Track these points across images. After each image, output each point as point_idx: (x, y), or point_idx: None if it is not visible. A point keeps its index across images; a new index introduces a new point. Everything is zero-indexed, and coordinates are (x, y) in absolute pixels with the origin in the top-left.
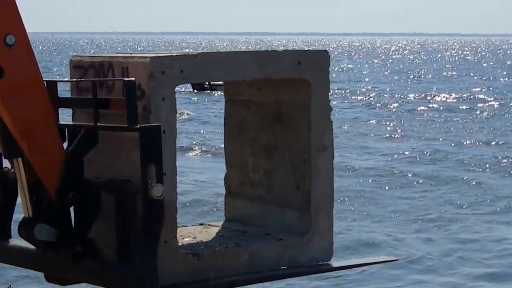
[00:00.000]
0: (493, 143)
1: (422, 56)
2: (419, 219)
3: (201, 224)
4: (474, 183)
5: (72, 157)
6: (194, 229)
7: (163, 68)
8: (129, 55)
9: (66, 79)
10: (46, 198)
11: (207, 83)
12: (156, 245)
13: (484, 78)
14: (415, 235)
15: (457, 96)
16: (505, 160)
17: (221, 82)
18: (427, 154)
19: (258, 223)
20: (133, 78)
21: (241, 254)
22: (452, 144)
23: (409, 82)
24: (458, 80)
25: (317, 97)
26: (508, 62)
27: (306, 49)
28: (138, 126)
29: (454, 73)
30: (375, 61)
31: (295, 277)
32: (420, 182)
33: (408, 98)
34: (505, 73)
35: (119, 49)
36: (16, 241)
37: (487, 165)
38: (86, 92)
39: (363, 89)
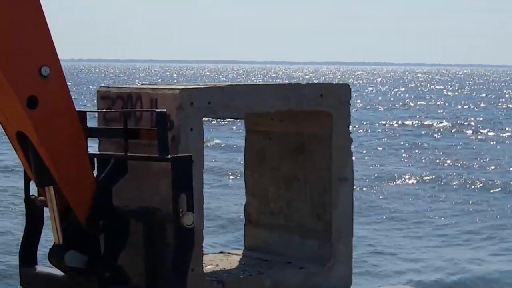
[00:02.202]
0: None
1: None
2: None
3: (221, 252)
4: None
5: (103, 186)
6: (215, 257)
7: (192, 99)
8: (157, 86)
9: (96, 110)
10: (75, 225)
11: None
12: (186, 273)
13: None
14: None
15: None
16: None
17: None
18: None
19: (278, 251)
20: (164, 110)
21: (264, 281)
22: None
23: None
24: None
25: (339, 129)
26: None
27: (328, 82)
28: (170, 156)
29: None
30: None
31: None
32: None
33: None
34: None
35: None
36: (43, 267)
37: None
38: (113, 122)
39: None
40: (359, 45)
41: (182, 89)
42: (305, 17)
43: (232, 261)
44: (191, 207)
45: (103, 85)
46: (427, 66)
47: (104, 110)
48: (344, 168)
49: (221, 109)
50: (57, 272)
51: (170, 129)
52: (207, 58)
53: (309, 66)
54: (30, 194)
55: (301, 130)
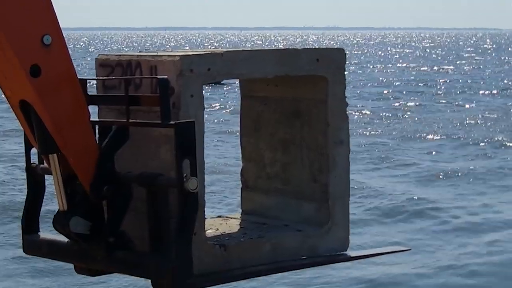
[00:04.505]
0: None
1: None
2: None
3: (219, 217)
4: None
5: (106, 153)
6: (214, 221)
7: (192, 66)
8: (156, 53)
9: (96, 77)
10: (79, 191)
11: None
12: (191, 237)
13: None
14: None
15: None
16: None
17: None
18: None
19: (275, 215)
20: (166, 76)
21: (264, 244)
22: None
23: None
24: None
25: (334, 94)
26: None
27: (324, 47)
28: (173, 122)
29: None
30: None
31: (314, 267)
32: None
33: None
34: None
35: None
36: (45, 234)
37: None
38: (113, 89)
39: None
40: (308, 10)
41: (182, 55)
42: None
43: (231, 225)
44: (195, 172)
45: (102, 53)
46: (376, 30)
47: (105, 78)
48: (340, 132)
49: (221, 75)
50: (61, 238)
51: (171, 96)
52: (156, 25)
53: (259, 31)
54: (31, 162)
55: (297, 95)
